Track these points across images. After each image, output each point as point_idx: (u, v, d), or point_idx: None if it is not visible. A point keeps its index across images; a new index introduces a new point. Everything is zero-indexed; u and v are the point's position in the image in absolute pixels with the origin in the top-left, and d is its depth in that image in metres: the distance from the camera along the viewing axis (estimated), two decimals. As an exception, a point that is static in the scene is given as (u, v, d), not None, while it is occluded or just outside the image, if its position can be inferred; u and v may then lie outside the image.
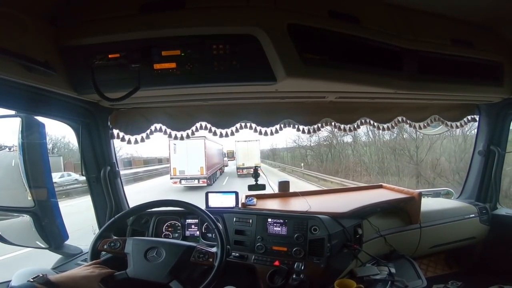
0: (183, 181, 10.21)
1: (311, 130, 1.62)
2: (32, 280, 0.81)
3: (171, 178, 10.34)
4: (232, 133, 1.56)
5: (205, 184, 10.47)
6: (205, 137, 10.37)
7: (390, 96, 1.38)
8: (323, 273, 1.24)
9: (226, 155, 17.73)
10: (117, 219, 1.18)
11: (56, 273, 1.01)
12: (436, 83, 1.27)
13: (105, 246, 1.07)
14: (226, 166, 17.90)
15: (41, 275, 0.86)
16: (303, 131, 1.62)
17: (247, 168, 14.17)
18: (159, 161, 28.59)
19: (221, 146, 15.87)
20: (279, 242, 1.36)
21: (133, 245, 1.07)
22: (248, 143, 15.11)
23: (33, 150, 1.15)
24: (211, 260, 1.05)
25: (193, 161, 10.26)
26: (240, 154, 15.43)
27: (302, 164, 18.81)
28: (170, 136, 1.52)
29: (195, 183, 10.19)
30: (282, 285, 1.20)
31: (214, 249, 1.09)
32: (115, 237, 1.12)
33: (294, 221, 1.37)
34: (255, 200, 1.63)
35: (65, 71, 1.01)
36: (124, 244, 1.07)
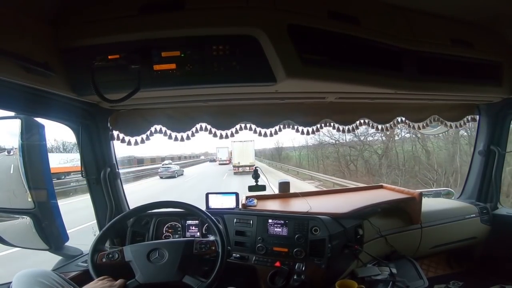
0: (220, 162, 23.02)
1: (311, 131, 1.62)
2: None
3: (217, 161, 24.76)
4: (232, 134, 1.55)
5: (229, 163, 20.48)
6: (227, 147, 21.96)
7: (390, 96, 1.38)
8: (324, 274, 1.24)
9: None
10: (106, 231, 1.16)
11: (58, 274, 1.01)
12: (436, 83, 1.27)
13: (104, 259, 1.05)
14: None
15: None
16: (302, 132, 1.62)
17: (242, 166, 15.61)
18: (139, 162, 26.38)
19: (230, 148, 21.23)
20: (279, 243, 1.36)
21: (132, 252, 1.06)
22: (243, 143, 16.33)
23: (33, 151, 1.14)
24: (213, 248, 1.07)
25: (224, 155, 22.80)
26: (236, 153, 16.68)
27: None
28: (170, 137, 1.52)
29: (225, 162, 22.09)
30: (283, 286, 1.20)
31: (212, 237, 1.11)
32: (109, 248, 1.10)
33: (294, 222, 1.36)
34: (255, 201, 1.63)
35: (64, 73, 1.00)
36: (123, 253, 1.06)
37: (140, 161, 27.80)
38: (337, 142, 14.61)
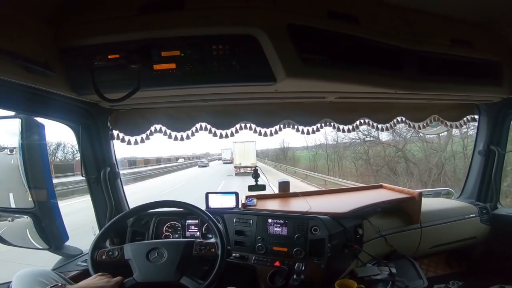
0: (224, 161, 25.77)
1: (311, 131, 1.63)
2: None
3: (221, 160, 28.16)
4: (232, 134, 1.55)
5: (231, 162, 20.21)
6: (230, 148, 21.23)
7: (389, 96, 1.38)
8: (323, 274, 1.24)
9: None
10: (106, 230, 1.16)
11: (57, 274, 1.01)
12: (436, 83, 1.27)
13: (104, 257, 1.05)
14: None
15: (60, 284, 0.86)
16: (302, 132, 1.62)
17: (243, 167, 15.80)
18: (130, 164, 26.50)
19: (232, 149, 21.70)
20: (279, 242, 1.36)
21: (132, 251, 1.06)
22: (244, 143, 16.41)
23: (33, 151, 1.14)
24: (213, 250, 1.06)
25: (228, 155, 24.15)
26: (237, 154, 16.74)
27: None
28: (170, 137, 1.52)
29: (228, 162, 23.70)
30: (282, 285, 1.20)
31: (213, 239, 1.10)
32: (109, 246, 1.11)
33: (294, 222, 1.36)
34: (255, 200, 1.63)
35: (64, 72, 1.00)
36: (123, 251, 1.06)
37: (132, 163, 28.35)
38: (368, 138, 10.14)
